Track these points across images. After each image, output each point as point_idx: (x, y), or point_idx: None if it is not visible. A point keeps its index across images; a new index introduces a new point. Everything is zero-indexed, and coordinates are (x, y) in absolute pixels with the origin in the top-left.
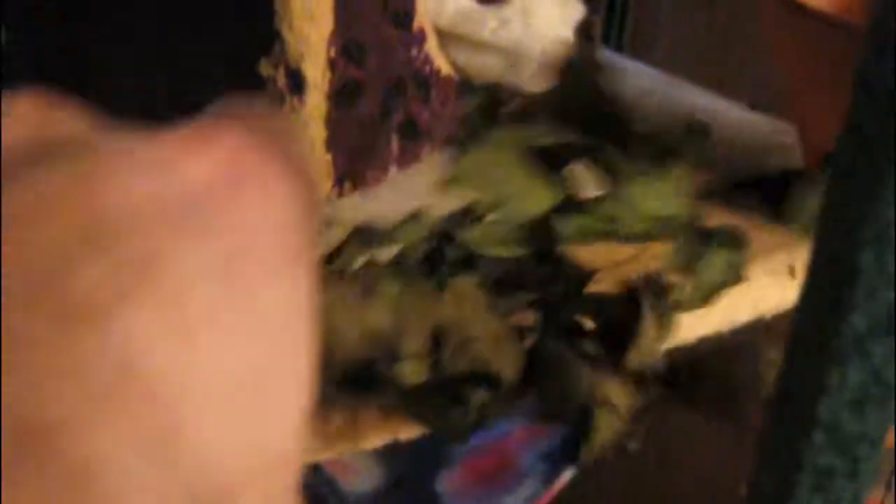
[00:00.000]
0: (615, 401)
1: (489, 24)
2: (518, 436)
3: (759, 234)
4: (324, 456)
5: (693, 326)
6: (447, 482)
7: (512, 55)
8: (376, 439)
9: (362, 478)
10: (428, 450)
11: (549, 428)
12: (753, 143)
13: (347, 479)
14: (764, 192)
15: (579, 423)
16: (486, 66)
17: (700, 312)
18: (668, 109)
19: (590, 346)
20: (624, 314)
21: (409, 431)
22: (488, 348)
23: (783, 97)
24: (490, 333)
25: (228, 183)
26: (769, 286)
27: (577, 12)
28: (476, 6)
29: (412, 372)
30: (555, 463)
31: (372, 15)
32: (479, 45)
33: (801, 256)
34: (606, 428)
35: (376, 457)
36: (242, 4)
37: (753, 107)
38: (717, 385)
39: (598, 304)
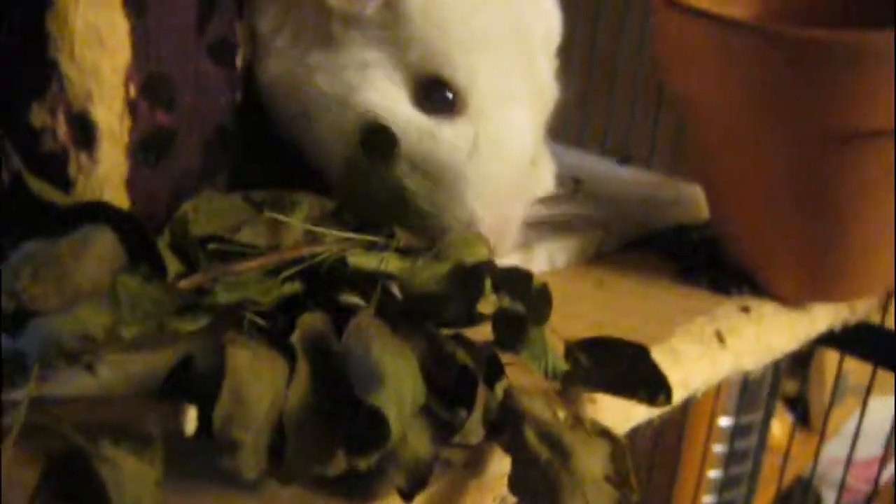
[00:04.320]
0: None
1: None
2: None
3: (670, 295)
4: None
5: (624, 415)
6: None
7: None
8: None
9: None
10: None
11: None
12: (638, 202)
13: None
14: (661, 249)
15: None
16: None
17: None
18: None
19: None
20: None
21: None
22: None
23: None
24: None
25: None
26: (698, 360)
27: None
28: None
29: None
30: None
31: (182, 43)
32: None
33: (724, 320)
34: None
35: None
36: None
37: (625, 160)
38: None
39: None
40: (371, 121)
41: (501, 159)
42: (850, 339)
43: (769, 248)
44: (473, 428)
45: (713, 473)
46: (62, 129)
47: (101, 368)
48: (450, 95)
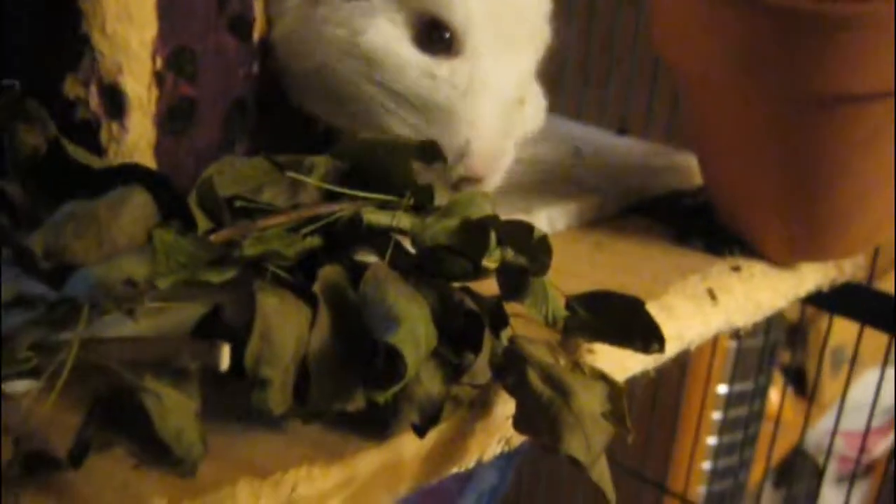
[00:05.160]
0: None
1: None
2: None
3: (665, 256)
4: None
5: (620, 366)
6: None
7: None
8: None
9: None
10: None
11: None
12: (635, 169)
13: None
14: (657, 214)
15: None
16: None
17: (623, 354)
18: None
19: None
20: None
21: None
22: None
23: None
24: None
25: None
26: (691, 315)
27: None
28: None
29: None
30: None
31: (204, 17)
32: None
33: (715, 278)
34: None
35: None
36: (34, 4)
37: (623, 132)
38: None
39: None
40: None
41: (493, 97)
42: (839, 300)
43: (758, 211)
44: (481, 369)
45: (711, 440)
46: (94, 100)
47: (140, 315)
48: (447, 36)
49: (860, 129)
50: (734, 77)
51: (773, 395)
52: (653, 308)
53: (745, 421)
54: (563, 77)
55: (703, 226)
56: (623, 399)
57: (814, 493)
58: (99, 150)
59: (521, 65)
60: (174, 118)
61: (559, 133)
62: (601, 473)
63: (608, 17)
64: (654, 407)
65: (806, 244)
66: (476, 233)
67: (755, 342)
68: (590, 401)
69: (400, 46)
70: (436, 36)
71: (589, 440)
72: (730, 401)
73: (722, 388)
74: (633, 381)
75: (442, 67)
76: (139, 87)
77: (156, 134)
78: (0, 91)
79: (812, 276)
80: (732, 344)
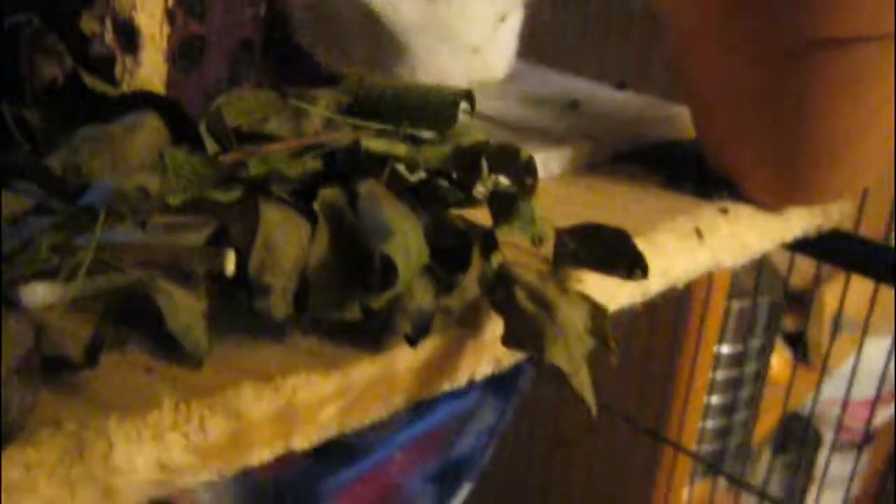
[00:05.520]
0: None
1: None
2: (399, 461)
3: (656, 199)
4: (204, 476)
5: (607, 296)
6: None
7: None
8: (265, 452)
9: None
10: (299, 487)
11: (431, 449)
12: (630, 118)
13: None
14: (650, 161)
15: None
16: None
17: (611, 285)
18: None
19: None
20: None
21: (302, 441)
22: None
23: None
24: None
25: None
26: (678, 251)
27: None
28: None
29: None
30: (446, 483)
31: None
32: None
33: (703, 219)
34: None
35: (239, 497)
36: None
37: (622, 86)
38: None
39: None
40: None
41: (449, 40)
42: (826, 246)
43: (745, 155)
44: (470, 284)
45: (715, 399)
46: (109, 35)
47: (151, 227)
48: None
49: (843, 72)
50: (720, 22)
51: (774, 359)
52: (640, 243)
53: (742, 382)
54: (564, 35)
55: (693, 171)
56: (606, 319)
57: (811, 460)
58: (113, 84)
59: (484, 12)
60: (184, 55)
61: (558, 85)
62: (582, 383)
63: None
64: (651, 361)
65: (791, 188)
66: (468, 157)
67: (756, 304)
68: (573, 316)
69: None
70: None
71: (571, 351)
72: (730, 361)
73: (724, 349)
74: (631, 336)
75: (405, 4)
76: (152, 23)
77: (167, 69)
78: (21, 25)
79: (798, 222)
80: (735, 304)
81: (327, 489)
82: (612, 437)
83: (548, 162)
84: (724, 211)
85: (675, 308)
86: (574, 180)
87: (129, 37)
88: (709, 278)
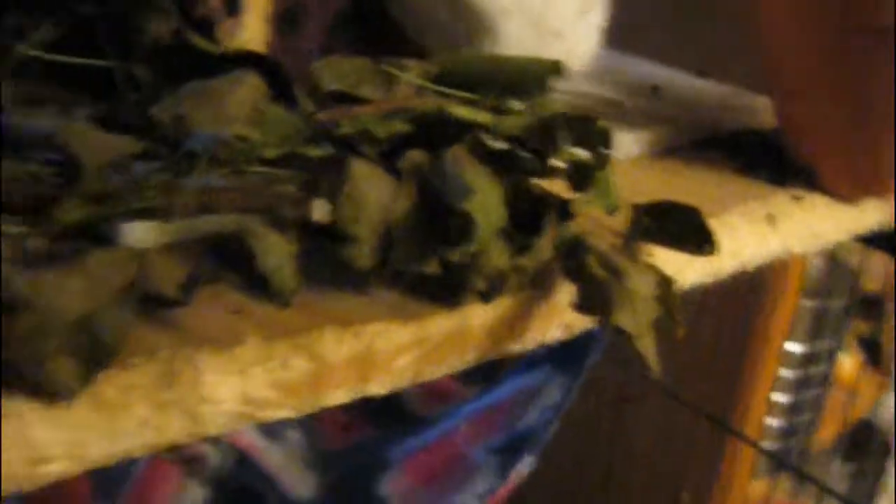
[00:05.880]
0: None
1: None
2: (465, 432)
3: (731, 184)
4: (283, 412)
5: (678, 272)
6: (392, 485)
7: None
8: (341, 393)
9: (296, 484)
10: (367, 453)
11: (496, 421)
12: (710, 106)
13: (283, 482)
14: (727, 148)
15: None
16: None
17: (680, 262)
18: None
19: None
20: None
21: (378, 386)
22: None
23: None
24: None
25: None
26: (749, 234)
27: None
28: None
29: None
30: (509, 455)
31: None
32: None
33: (776, 205)
34: None
35: (308, 461)
36: None
37: (703, 74)
38: None
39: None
40: None
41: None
42: None
43: (826, 144)
44: (545, 245)
45: (780, 397)
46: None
47: (248, 176)
48: None
49: None
50: (807, 6)
51: (847, 364)
52: (712, 224)
53: (809, 383)
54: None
55: (769, 160)
56: (673, 289)
57: (880, 469)
58: (216, 44)
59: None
60: (286, 20)
61: (640, 71)
62: (646, 346)
63: None
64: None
65: (870, 178)
66: (547, 128)
67: (828, 304)
68: (641, 283)
69: None
70: None
71: (638, 315)
72: (798, 360)
73: (793, 347)
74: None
75: None
76: None
77: (267, 33)
78: None
79: (873, 213)
80: (808, 303)
81: (394, 456)
82: (675, 423)
83: (626, 143)
84: (798, 198)
85: (746, 300)
86: (651, 163)
87: (233, 2)
88: (784, 273)
